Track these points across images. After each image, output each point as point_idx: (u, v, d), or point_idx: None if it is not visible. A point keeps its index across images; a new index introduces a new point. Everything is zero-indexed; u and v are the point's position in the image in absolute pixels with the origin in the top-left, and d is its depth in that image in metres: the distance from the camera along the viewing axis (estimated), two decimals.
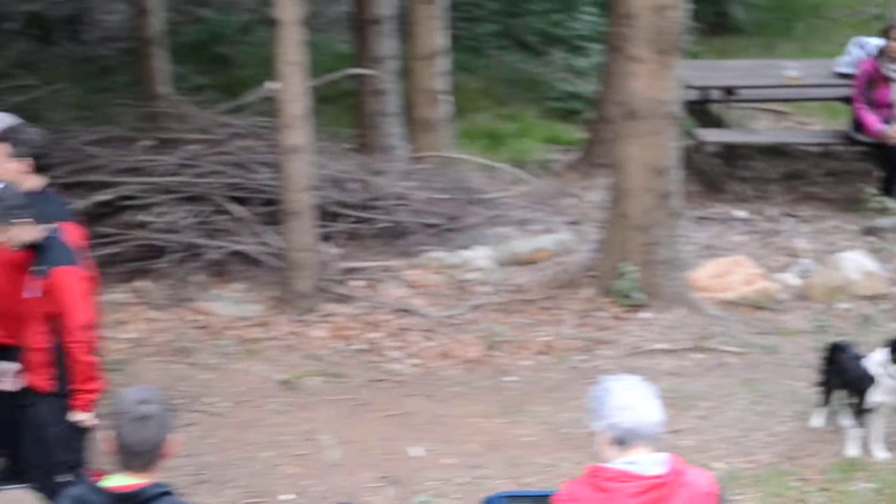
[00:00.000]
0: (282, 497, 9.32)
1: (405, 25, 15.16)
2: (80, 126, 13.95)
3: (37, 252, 8.15)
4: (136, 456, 5.47)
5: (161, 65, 14.97)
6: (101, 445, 5.64)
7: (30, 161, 8.54)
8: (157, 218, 12.70)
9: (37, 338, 8.20)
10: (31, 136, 8.70)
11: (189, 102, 14.83)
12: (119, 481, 5.47)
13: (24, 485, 8.48)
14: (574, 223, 14.25)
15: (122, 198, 12.87)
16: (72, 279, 8.12)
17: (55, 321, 8.12)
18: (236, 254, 12.63)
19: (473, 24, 19.23)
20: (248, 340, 11.60)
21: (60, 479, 7.82)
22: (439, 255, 13.13)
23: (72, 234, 8.36)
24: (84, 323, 8.09)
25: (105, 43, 17.46)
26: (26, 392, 8.31)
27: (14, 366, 8.40)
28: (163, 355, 11.24)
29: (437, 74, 15.01)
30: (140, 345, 11.37)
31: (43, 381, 8.22)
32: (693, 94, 15.25)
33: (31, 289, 8.17)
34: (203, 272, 12.45)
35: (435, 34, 14.92)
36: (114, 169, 13.14)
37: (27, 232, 8.09)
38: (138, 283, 12.20)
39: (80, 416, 8.20)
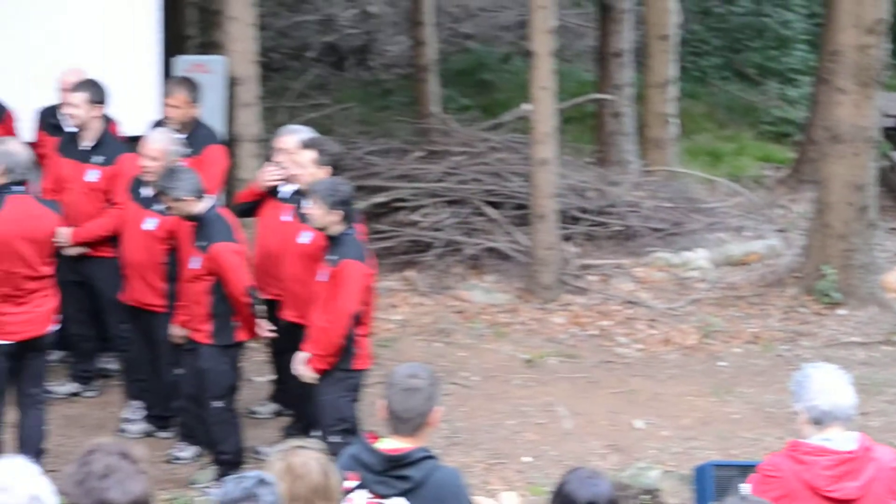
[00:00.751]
0: (523, 459, 9.27)
1: (642, 58, 15.05)
2: (364, 139, 14.09)
3: (331, 243, 8.21)
4: (404, 422, 5.42)
5: (433, 88, 15.05)
6: (377, 412, 5.60)
7: (329, 168, 8.65)
8: (424, 218, 12.78)
9: (326, 317, 8.21)
10: (331, 146, 8.85)
11: (455, 120, 14.89)
12: (389, 444, 5.43)
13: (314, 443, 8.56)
14: (782, 231, 14.00)
15: (395, 200, 12.99)
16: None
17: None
18: (490, 250, 12.63)
19: (700, 57, 19.07)
20: (498, 324, 11.58)
21: (332, 440, 7.90)
22: (664, 255, 13.00)
23: (358, 230, 8.42)
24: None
25: (387, 69, 17.63)
26: None
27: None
28: (425, 335, 11.29)
29: (668, 100, 14.86)
30: (406, 326, 11.42)
31: (326, 362, 8.26)
32: (889, 122, 15.01)
33: (324, 274, 8.21)
34: (461, 265, 12.47)
35: (667, 66, 14.79)
36: (390, 175, 13.25)
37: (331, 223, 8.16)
38: (407, 273, 12.26)
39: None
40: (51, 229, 8.12)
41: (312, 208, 8.16)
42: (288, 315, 8.89)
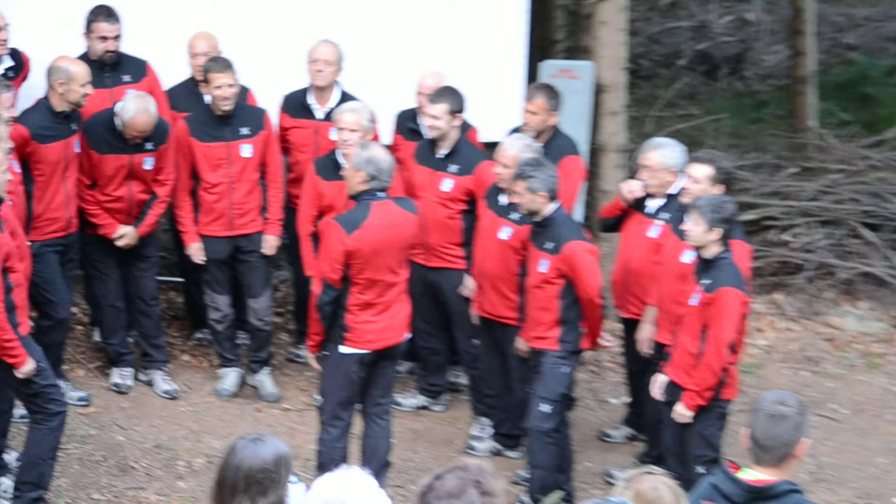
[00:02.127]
0: (894, 500, 8.84)
1: None
2: (735, 153, 13.86)
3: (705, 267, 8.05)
4: (768, 451, 5.26)
5: (811, 101, 14.67)
6: (740, 441, 5.42)
7: (722, 185, 8.71)
8: (795, 238, 12.52)
9: (694, 342, 8.08)
10: (724, 163, 8.92)
11: (833, 136, 14.48)
12: (752, 475, 5.29)
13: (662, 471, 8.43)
14: None
15: (765, 218, 12.74)
16: None
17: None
18: (866, 275, 12.19)
19: None
20: (871, 354, 11.19)
21: (697, 470, 7.76)
22: None
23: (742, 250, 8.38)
24: None
25: (763, 80, 17.31)
26: (674, 389, 8.23)
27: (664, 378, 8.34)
28: (791, 362, 11.00)
29: None
30: (772, 352, 11.13)
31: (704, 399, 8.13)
32: None
33: (696, 298, 8.09)
34: (833, 290, 12.06)
35: None
36: (760, 192, 13.06)
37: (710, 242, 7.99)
38: (775, 296, 11.94)
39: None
40: (412, 233, 8.32)
41: (692, 225, 8.01)
42: (663, 336, 8.80)
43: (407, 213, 8.25)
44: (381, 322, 8.22)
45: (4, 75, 9.33)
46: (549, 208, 8.37)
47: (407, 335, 8.41)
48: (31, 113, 9.02)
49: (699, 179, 8.56)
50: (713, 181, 8.56)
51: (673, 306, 8.58)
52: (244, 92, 9.74)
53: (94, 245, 9.49)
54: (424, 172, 9.43)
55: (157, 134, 9.34)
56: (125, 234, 9.44)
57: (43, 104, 9.06)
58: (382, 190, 8.11)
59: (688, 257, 8.52)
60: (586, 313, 8.40)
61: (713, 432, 8.17)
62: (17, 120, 8.76)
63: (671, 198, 8.88)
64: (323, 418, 8.39)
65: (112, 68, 9.62)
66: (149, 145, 9.33)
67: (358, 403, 8.46)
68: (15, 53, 9.58)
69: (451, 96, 9.24)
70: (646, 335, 8.92)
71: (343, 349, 8.18)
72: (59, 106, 9.00)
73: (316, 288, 8.22)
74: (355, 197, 8.15)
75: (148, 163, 9.38)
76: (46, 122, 9.00)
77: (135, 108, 9.11)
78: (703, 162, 8.67)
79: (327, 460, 8.12)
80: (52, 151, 9.00)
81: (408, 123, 9.85)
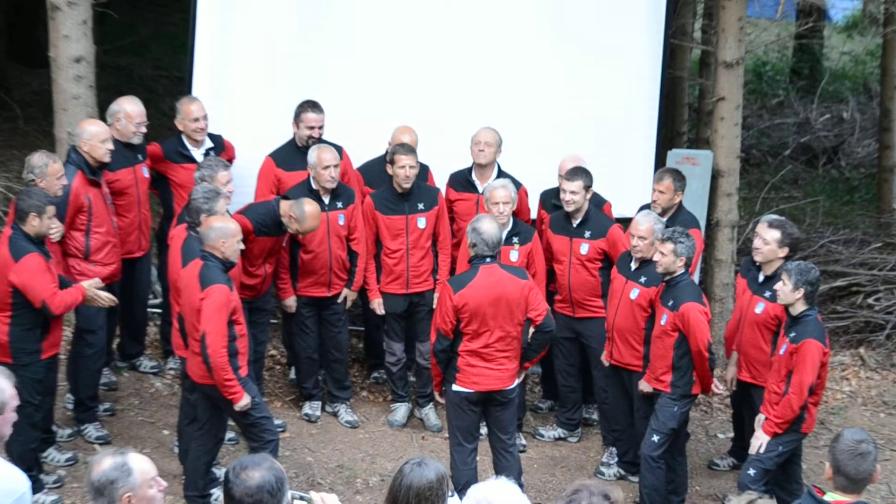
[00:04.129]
0: None
1: None
2: (828, 229, 13.81)
3: None
4: (853, 482, 5.52)
5: (895, 187, 14.52)
6: (826, 471, 5.62)
7: (786, 249, 8.70)
8: (877, 302, 12.33)
9: (780, 384, 8.22)
10: (793, 231, 8.83)
11: None
12: (833, 496, 5.52)
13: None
14: None
15: (853, 285, 12.60)
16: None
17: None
18: None
19: None
20: None
21: (782, 495, 7.95)
22: None
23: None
24: None
25: (854, 168, 17.16)
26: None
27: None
28: (871, 406, 10.90)
29: None
30: (855, 396, 11.05)
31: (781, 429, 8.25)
32: None
33: (783, 347, 8.22)
34: None
35: None
36: (849, 262, 12.93)
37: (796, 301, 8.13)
38: (859, 350, 11.89)
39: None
40: (516, 295, 8.11)
41: (781, 285, 8.18)
42: (744, 376, 8.96)
43: (513, 278, 8.17)
44: (487, 369, 8.21)
45: (206, 154, 9.49)
46: (679, 270, 8.47)
47: (511, 385, 8.31)
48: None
49: (768, 241, 8.70)
50: (780, 244, 8.68)
51: (749, 349, 8.79)
52: (425, 170, 9.94)
53: (304, 306, 9.63)
54: (563, 241, 9.47)
55: (346, 195, 9.50)
56: (346, 296, 9.71)
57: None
58: (489, 256, 8.12)
59: (759, 308, 8.71)
60: (695, 363, 8.42)
61: (791, 464, 8.38)
62: None
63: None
64: (450, 444, 8.50)
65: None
66: (339, 203, 9.48)
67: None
68: (215, 138, 9.72)
69: (584, 174, 9.31)
70: (729, 376, 9.11)
71: (455, 387, 8.29)
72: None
73: (433, 337, 8.34)
74: (470, 261, 8.26)
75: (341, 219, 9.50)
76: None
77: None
78: (773, 227, 8.76)
79: (459, 479, 8.21)
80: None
81: (552, 200, 9.86)
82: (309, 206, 9.06)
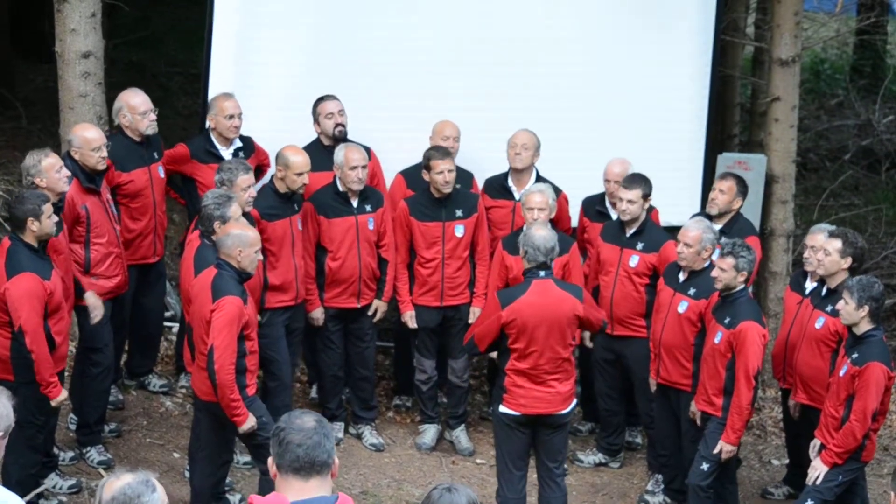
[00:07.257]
0: None
1: None
2: (891, 240, 13.72)
3: None
4: None
5: None
6: (890, 501, 5.57)
7: (849, 259, 8.69)
8: None
9: (839, 408, 8.16)
10: (857, 241, 8.77)
11: None
12: None
13: None
14: None
15: None
16: None
17: None
18: None
19: None
20: None
21: None
22: None
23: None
24: None
25: None
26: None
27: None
28: None
29: None
30: None
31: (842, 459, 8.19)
32: None
33: (844, 369, 8.16)
34: None
35: None
36: None
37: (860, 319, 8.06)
38: None
39: None
40: (569, 314, 8.15)
41: (844, 303, 8.12)
42: (800, 398, 8.92)
43: (566, 295, 8.18)
44: (536, 390, 8.22)
45: (235, 154, 9.49)
46: (740, 285, 8.42)
47: (563, 410, 8.30)
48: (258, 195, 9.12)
49: (829, 252, 8.69)
50: (842, 253, 8.67)
51: (805, 369, 8.76)
52: (469, 177, 9.95)
53: (331, 319, 9.61)
54: (613, 250, 9.43)
55: (375, 198, 9.56)
56: (377, 308, 9.71)
57: (268, 187, 9.27)
58: (541, 267, 8.14)
59: (819, 323, 8.70)
60: (737, 387, 8.29)
61: (850, 496, 8.31)
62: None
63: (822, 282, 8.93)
64: (497, 469, 8.50)
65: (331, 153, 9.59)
66: (368, 206, 9.51)
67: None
68: (245, 139, 9.67)
69: (643, 182, 9.29)
70: (792, 401, 9.04)
71: (502, 408, 8.30)
72: (282, 188, 9.18)
73: (465, 339, 8.47)
74: (524, 273, 8.25)
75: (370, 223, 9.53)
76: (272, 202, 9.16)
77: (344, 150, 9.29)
78: (833, 236, 8.77)
79: None
80: (278, 228, 9.15)
81: (595, 207, 9.90)
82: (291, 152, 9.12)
